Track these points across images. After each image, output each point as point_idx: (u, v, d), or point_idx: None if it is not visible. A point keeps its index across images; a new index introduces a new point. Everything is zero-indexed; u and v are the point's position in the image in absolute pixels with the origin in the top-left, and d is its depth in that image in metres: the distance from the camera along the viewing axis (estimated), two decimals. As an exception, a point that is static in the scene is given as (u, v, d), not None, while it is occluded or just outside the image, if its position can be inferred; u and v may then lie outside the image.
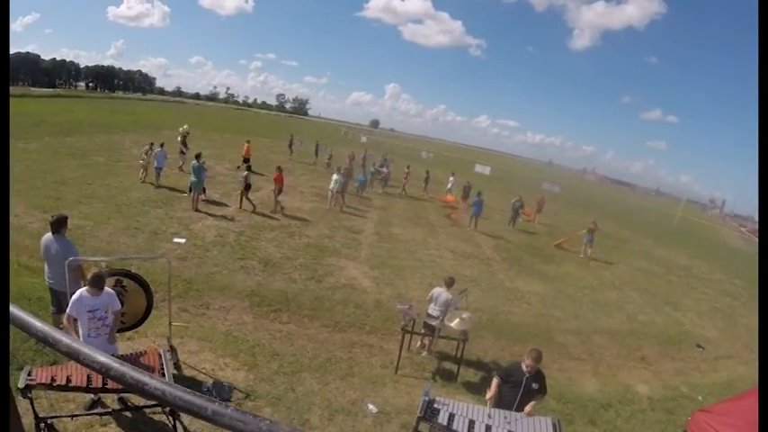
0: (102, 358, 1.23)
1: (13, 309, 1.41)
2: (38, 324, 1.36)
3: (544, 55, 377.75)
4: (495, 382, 7.75)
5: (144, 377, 1.17)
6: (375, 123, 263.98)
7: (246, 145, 32.37)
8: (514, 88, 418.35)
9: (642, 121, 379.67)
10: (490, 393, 7.65)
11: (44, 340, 1.34)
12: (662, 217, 65.84)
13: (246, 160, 29.60)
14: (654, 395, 11.94)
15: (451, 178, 37.34)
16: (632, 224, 49.34)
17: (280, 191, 22.63)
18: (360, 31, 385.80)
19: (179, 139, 31.69)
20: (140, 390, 1.16)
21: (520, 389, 7.41)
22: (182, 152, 29.52)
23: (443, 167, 59.19)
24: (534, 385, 7.45)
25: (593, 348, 14.09)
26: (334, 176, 24.86)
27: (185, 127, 34.12)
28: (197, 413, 1.09)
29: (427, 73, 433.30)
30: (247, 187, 21.63)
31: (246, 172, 21.92)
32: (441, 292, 11.12)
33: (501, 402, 7.50)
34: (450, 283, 11.29)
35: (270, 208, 22.20)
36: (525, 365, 7.44)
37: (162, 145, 24.63)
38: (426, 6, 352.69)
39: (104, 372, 1.22)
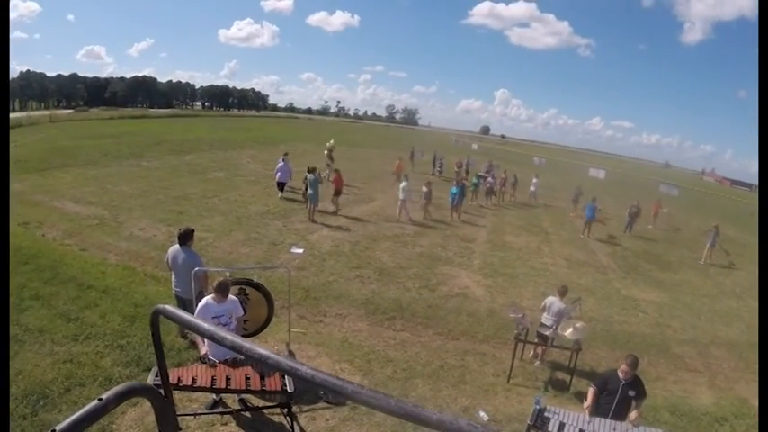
0: (262, 350, 1.47)
1: (181, 313, 1.68)
2: (205, 325, 1.63)
3: (656, 51, 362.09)
4: (591, 391, 7.73)
5: (297, 364, 1.41)
6: (485, 130, 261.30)
7: (398, 162, 33.46)
8: (627, 88, 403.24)
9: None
10: (587, 403, 7.64)
11: (211, 337, 1.59)
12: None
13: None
14: (772, 410, 11.49)
15: (535, 180, 36.65)
16: (754, 228, 46.98)
17: (338, 192, 23.23)
18: (466, 39, 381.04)
19: (326, 153, 33.76)
20: (294, 374, 1.41)
21: (615, 396, 7.38)
22: (328, 165, 31.53)
23: (557, 173, 58.27)
24: (631, 392, 7.37)
25: (711, 360, 13.60)
26: (403, 184, 23.81)
27: (332, 142, 35.64)
28: (339, 391, 1.35)
29: (536, 76, 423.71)
30: (337, 192, 23.07)
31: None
32: (554, 301, 11.12)
33: (597, 411, 7.48)
34: (563, 292, 11.26)
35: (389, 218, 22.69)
36: (621, 372, 7.41)
37: (286, 155, 26.46)
38: (531, 9, 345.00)
39: (263, 360, 1.45)
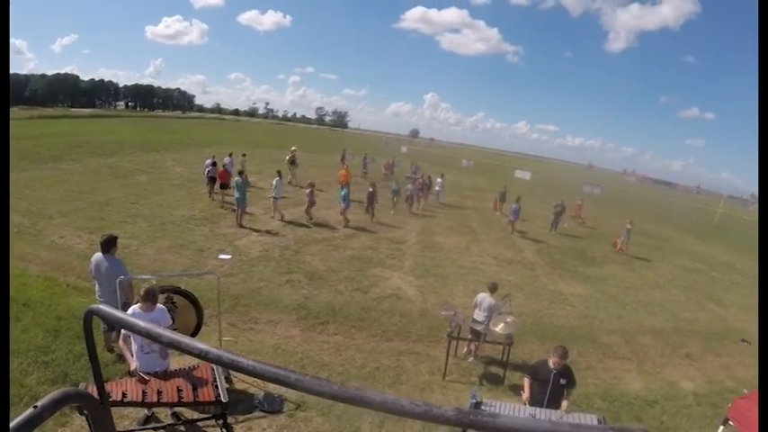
0: (201, 345, 1.44)
1: (115, 312, 1.61)
2: (141, 323, 1.57)
3: (581, 59, 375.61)
4: (526, 381, 8.03)
5: (238, 357, 1.39)
6: (415, 133, 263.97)
7: (344, 171, 31.54)
8: (553, 93, 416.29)
9: (680, 119, 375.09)
10: (525, 394, 7.91)
11: (148, 335, 1.54)
12: (703, 214, 64.95)
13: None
14: (699, 390, 11.94)
15: (440, 180, 36.14)
16: (674, 223, 48.77)
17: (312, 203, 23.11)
18: (398, 42, 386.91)
19: (287, 158, 34.88)
20: (236, 367, 1.38)
21: (548, 385, 7.61)
22: (289, 170, 33.09)
23: (484, 175, 59.19)
24: (562, 381, 7.64)
25: (638, 347, 14.08)
26: (343, 192, 23.48)
27: (294, 148, 36.78)
28: (283, 381, 1.33)
29: (465, 81, 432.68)
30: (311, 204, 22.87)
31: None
32: (484, 298, 11.32)
33: (533, 401, 7.71)
34: (493, 289, 11.47)
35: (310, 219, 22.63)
36: (552, 362, 7.65)
37: (230, 155, 27.57)
38: (463, 15, 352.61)
39: (204, 356, 1.43)
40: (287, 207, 23.78)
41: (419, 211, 29.77)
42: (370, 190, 24.20)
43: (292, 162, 34.66)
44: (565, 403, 7.58)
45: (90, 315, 1.64)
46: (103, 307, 1.61)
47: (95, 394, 5.62)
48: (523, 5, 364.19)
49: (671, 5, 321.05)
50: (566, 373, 7.72)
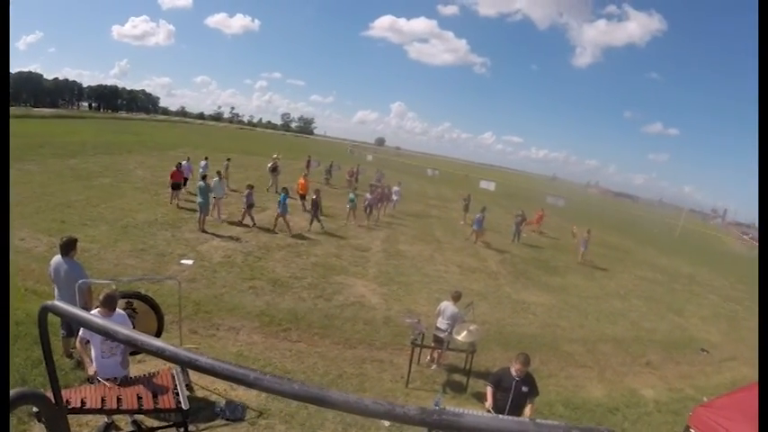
0: (158, 343, 1.38)
1: (72, 309, 1.56)
2: (97, 320, 1.53)
3: (547, 72, 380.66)
4: (489, 390, 8.00)
5: (195, 355, 1.33)
6: (381, 141, 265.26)
7: (302, 180, 29.89)
8: (519, 105, 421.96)
9: (644, 134, 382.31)
10: (488, 402, 7.88)
11: (105, 333, 1.47)
12: (665, 227, 66.01)
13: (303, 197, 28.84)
14: (660, 398, 12.15)
15: (396, 188, 35.57)
16: (635, 235, 49.51)
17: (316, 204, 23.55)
18: (366, 51, 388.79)
19: (270, 165, 35.18)
20: (194, 365, 1.32)
21: (510, 393, 7.62)
22: (271, 178, 34.09)
23: (450, 184, 59.47)
24: (524, 388, 7.65)
25: (599, 356, 14.26)
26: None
27: (276, 155, 37.90)
28: (242, 380, 1.28)
29: (432, 91, 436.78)
30: (250, 206, 22.15)
31: (249, 190, 22.20)
32: (447, 306, 11.40)
33: (495, 408, 7.70)
34: (456, 297, 11.53)
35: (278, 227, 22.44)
36: (514, 370, 7.64)
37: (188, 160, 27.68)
38: (431, 26, 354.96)
39: (160, 353, 1.37)
40: (256, 212, 23.64)
41: (372, 224, 27.70)
42: (314, 197, 23.82)
43: (274, 170, 34.51)
44: (527, 410, 7.58)
45: (45, 312, 1.57)
46: (59, 303, 1.55)
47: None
48: (492, 18, 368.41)
49: (637, 23, 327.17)
50: (528, 380, 7.73)
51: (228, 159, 31.60)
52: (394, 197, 34.59)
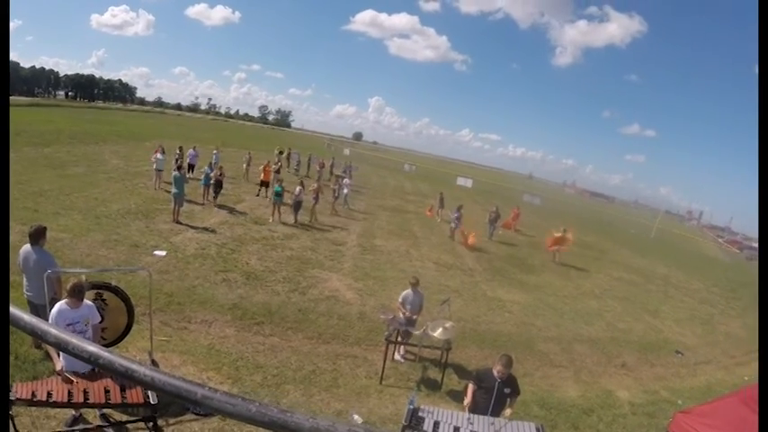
0: (92, 348, 1.24)
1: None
2: (26, 317, 1.37)
3: (527, 71, 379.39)
4: (470, 388, 7.91)
5: (133, 364, 1.19)
6: (358, 136, 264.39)
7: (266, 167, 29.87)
8: (497, 103, 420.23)
9: (621, 135, 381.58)
10: (467, 400, 7.80)
11: (33, 333, 1.34)
12: (641, 228, 66.29)
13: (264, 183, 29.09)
14: (635, 400, 12.15)
15: (347, 180, 33.85)
16: (611, 235, 49.65)
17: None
18: (346, 45, 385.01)
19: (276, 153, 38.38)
20: (130, 376, 1.19)
21: (492, 394, 7.54)
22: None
23: (427, 180, 59.51)
24: (506, 390, 7.60)
25: (575, 356, 14.27)
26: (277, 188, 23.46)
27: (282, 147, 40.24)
28: (186, 397, 1.13)
29: (411, 87, 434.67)
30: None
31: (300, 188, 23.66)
32: (408, 293, 11.67)
33: (476, 408, 7.61)
34: (415, 283, 11.81)
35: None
36: (496, 371, 7.55)
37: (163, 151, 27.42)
38: (413, 21, 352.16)
39: (94, 360, 1.23)
40: (226, 206, 23.42)
41: (306, 220, 24.64)
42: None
43: (249, 163, 35.61)
44: (508, 411, 7.53)
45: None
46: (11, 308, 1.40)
47: (24, 395, 5.26)
48: (474, 15, 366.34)
49: (618, 24, 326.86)
50: (510, 382, 7.68)
51: (217, 148, 33.99)
52: (344, 191, 31.57)
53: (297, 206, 23.92)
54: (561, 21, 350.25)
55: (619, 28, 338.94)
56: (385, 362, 10.61)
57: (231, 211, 23.82)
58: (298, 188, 24.08)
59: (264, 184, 28.07)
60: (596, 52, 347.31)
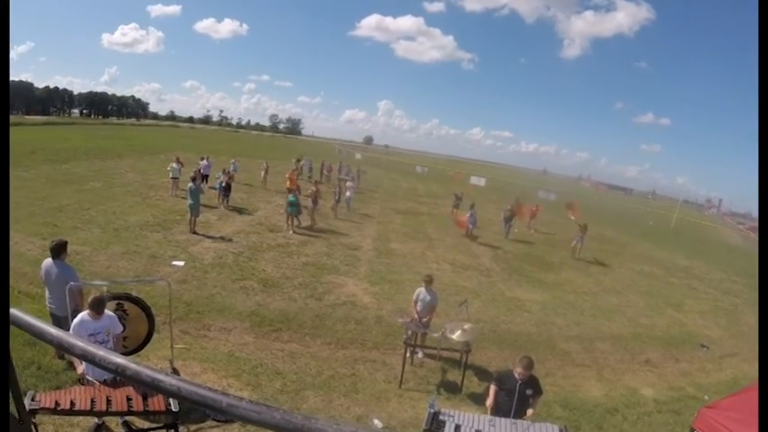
0: (118, 359, 1.26)
1: (29, 318, 1.42)
2: (53, 331, 1.38)
3: (536, 65, 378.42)
4: (492, 389, 7.85)
5: (159, 375, 1.20)
6: (369, 140, 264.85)
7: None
8: (507, 99, 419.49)
9: (635, 125, 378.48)
10: (489, 401, 7.75)
11: (59, 346, 1.36)
12: (660, 219, 65.87)
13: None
14: (660, 397, 11.96)
15: (350, 184, 33.96)
16: (630, 228, 49.30)
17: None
18: (353, 50, 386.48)
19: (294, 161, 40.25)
20: (157, 387, 1.19)
21: (514, 396, 7.47)
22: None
23: (439, 182, 59.41)
24: (528, 391, 7.51)
25: (597, 354, 14.11)
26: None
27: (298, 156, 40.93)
28: (212, 406, 1.13)
29: (420, 88, 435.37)
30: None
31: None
32: (421, 291, 11.74)
33: (498, 410, 7.55)
34: (429, 281, 11.78)
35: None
36: (517, 373, 7.49)
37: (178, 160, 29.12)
38: (418, 23, 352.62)
39: (121, 371, 1.24)
40: (242, 215, 23.53)
41: (302, 230, 23.37)
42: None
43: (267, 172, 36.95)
44: (530, 412, 7.44)
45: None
46: (15, 311, 1.44)
47: (47, 404, 5.27)
48: (478, 13, 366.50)
49: (625, 12, 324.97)
50: (532, 383, 7.60)
51: (236, 160, 36.21)
52: (347, 194, 31.11)
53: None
54: (567, 12, 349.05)
55: (626, 16, 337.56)
56: (404, 365, 10.57)
57: (241, 212, 23.96)
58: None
59: (291, 191, 28.17)
60: (605, 42, 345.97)
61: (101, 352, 1.30)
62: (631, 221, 58.28)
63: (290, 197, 22.97)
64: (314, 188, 25.88)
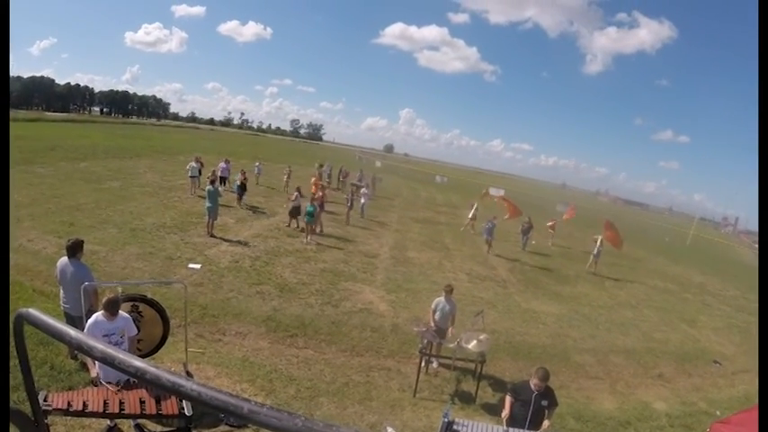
0: (138, 363, 1.24)
1: (48, 318, 1.41)
2: (72, 332, 1.38)
3: (558, 80, 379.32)
4: (508, 400, 7.84)
5: (180, 379, 1.18)
6: (389, 148, 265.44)
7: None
8: (528, 112, 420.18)
9: (654, 142, 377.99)
10: (505, 412, 7.71)
11: (79, 347, 1.34)
12: (676, 236, 65.56)
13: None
14: (672, 412, 11.93)
15: (365, 190, 33.51)
16: (646, 243, 49.01)
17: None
18: (376, 58, 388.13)
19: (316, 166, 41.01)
20: (177, 391, 1.18)
21: (530, 407, 7.44)
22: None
23: (458, 192, 59.29)
24: (544, 402, 7.49)
25: (611, 367, 14.06)
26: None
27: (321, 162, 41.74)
28: (233, 412, 1.12)
29: (442, 98, 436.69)
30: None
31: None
32: (440, 300, 11.65)
33: (513, 421, 7.52)
34: (449, 290, 11.70)
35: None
36: (533, 384, 7.47)
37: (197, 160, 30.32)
38: (443, 33, 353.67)
39: (140, 375, 1.23)
40: (260, 219, 23.56)
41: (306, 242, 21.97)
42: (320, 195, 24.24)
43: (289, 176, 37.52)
44: (546, 423, 7.42)
45: (21, 320, 1.43)
46: (34, 311, 1.39)
47: (60, 405, 5.30)
48: (503, 26, 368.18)
49: (648, 29, 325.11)
50: (547, 394, 7.59)
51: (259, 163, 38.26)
52: (362, 200, 30.77)
53: (294, 211, 24.07)
54: (590, 28, 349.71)
55: (649, 33, 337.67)
56: (419, 374, 10.54)
57: (260, 216, 24.03)
58: (295, 194, 24.47)
59: (315, 199, 28.01)
60: (627, 59, 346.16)
61: (120, 355, 1.30)
62: (648, 237, 57.92)
63: (309, 207, 22.64)
64: (321, 192, 25.67)
